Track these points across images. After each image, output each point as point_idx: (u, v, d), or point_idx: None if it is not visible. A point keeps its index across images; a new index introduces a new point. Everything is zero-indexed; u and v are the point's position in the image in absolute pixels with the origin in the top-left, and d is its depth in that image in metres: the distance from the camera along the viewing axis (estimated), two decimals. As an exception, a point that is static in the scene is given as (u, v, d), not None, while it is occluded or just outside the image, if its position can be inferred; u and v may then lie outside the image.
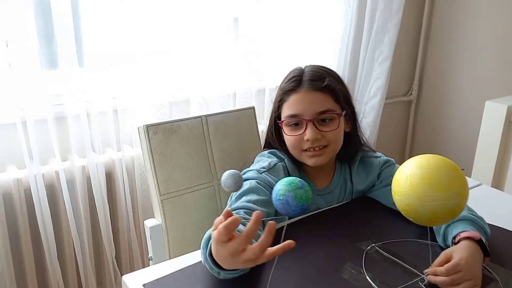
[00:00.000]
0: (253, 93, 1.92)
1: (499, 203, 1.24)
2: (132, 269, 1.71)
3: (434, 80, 2.69)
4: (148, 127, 1.17)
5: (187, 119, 1.25)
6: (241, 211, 0.92)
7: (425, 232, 0.94)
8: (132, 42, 1.55)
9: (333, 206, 1.14)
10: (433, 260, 0.86)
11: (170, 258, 1.20)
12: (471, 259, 0.83)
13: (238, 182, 0.69)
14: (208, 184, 1.26)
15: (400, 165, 1.16)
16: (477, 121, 2.07)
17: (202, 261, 0.82)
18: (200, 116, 1.27)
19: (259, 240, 0.68)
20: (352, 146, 1.14)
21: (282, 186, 0.70)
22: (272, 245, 0.69)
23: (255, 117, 1.37)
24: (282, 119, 1.09)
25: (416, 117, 2.85)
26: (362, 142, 1.16)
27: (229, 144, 1.31)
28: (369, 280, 0.85)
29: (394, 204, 1.11)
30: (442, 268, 0.82)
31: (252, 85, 1.90)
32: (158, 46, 1.62)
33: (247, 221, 0.85)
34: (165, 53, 1.65)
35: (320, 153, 1.06)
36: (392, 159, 1.17)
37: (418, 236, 1.01)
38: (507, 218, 1.09)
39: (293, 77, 1.08)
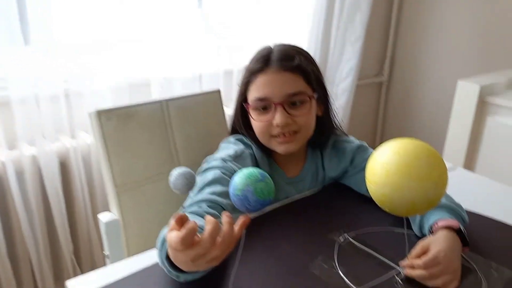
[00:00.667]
0: (220, 75, 1.82)
1: (476, 187, 1.20)
2: (93, 265, 1.61)
3: (406, 61, 2.65)
4: (100, 113, 1.06)
5: (146, 103, 1.15)
6: (204, 204, 0.84)
7: (401, 220, 0.88)
8: (86, 18, 1.42)
9: (304, 194, 1.07)
10: (409, 251, 0.80)
11: (129, 256, 1.11)
12: (450, 251, 0.77)
13: (190, 183, 0.61)
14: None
15: (373, 149, 1.12)
16: (449, 102, 2.04)
17: (159, 264, 0.73)
18: (160, 101, 1.17)
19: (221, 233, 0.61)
20: (324, 131, 1.06)
21: (240, 179, 0.62)
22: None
23: (221, 101, 1.28)
24: (249, 102, 1.00)
25: (388, 98, 2.81)
26: (335, 126, 1.08)
27: (193, 131, 1.22)
28: (342, 276, 0.79)
29: (367, 191, 1.06)
30: (419, 261, 0.76)
31: (219, 66, 1.80)
32: (116, 22, 1.49)
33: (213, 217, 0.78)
34: (124, 31, 1.52)
35: (290, 139, 0.98)
36: (365, 144, 1.11)
37: (393, 224, 0.95)
38: (484, 203, 1.05)
39: (261, 56, 0.99)
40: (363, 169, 1.06)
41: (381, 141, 2.87)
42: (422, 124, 2.63)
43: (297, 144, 1.00)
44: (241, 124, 1.04)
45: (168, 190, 1.17)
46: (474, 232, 0.91)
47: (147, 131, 1.13)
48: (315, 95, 1.00)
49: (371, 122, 2.87)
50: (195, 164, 1.20)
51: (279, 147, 0.99)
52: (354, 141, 1.10)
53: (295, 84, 0.97)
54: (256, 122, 1.00)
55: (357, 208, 1.02)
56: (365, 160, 1.07)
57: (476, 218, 0.98)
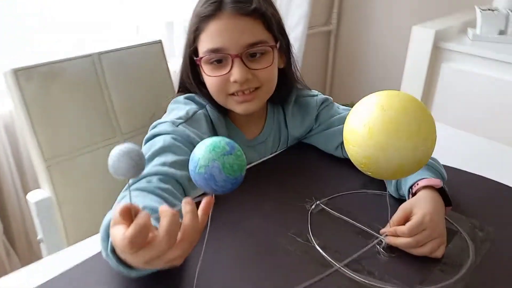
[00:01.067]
0: (161, 26, 1.63)
1: (447, 140, 1.13)
2: (29, 246, 1.43)
3: (355, 8, 2.54)
4: (17, 72, 0.87)
5: (74, 58, 0.96)
6: (155, 178, 0.70)
7: (373, 180, 0.79)
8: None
9: (266, 158, 0.96)
10: (390, 215, 0.71)
11: (67, 239, 0.96)
12: (435, 214, 0.69)
13: (138, 165, 0.45)
14: (110, 141, 1.01)
15: (338, 104, 1.02)
16: (401, 48, 1.98)
17: (103, 256, 0.60)
18: (91, 54, 0.99)
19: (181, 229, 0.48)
20: (287, 85, 0.93)
21: (202, 153, 0.48)
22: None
23: (164, 54, 1.11)
24: (200, 55, 0.85)
25: (337, 47, 2.71)
26: (297, 79, 0.96)
27: (133, 89, 1.05)
28: (320, 250, 0.69)
29: (335, 150, 0.96)
30: (403, 228, 0.68)
31: (159, 16, 1.60)
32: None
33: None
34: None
35: (251, 97, 0.85)
36: (330, 97, 1.00)
37: (367, 185, 0.86)
38: (440, 150, 0.98)
39: None
40: (328, 126, 0.97)
41: (331, 93, 2.80)
42: (374, 73, 2.57)
43: (258, 102, 0.87)
44: (192, 80, 0.89)
45: (106, 163, 1.02)
46: (451, 188, 0.84)
47: (77, 92, 0.96)
48: (277, 44, 0.87)
49: (321, 73, 2.77)
50: (139, 131, 1.05)
51: (238, 107, 0.86)
52: (318, 95, 0.99)
53: (255, 31, 0.82)
54: (210, 78, 0.85)
55: (326, 170, 0.93)
56: (331, 116, 0.97)
57: (451, 172, 0.91)
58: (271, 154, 0.97)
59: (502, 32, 1.73)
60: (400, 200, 0.81)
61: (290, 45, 0.92)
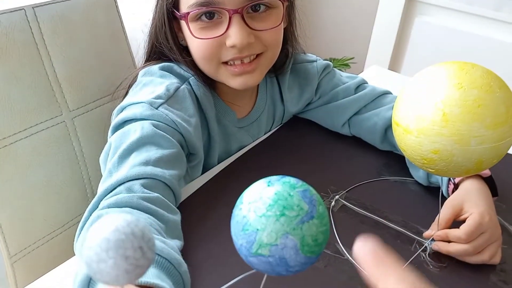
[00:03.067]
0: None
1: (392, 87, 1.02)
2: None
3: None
4: None
5: (0, 13, 0.71)
6: (137, 185, 0.50)
7: (391, 162, 0.66)
8: None
9: (260, 140, 0.78)
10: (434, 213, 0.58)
11: (8, 249, 0.74)
12: (492, 212, 0.57)
13: (138, 268, 0.24)
14: (54, 121, 0.78)
15: (341, 70, 0.84)
16: (371, 2, 1.83)
17: None
18: (22, 8, 0.73)
19: None
20: (285, 50, 0.73)
21: (264, 222, 0.27)
22: None
23: (117, 8, 0.87)
24: (185, 9, 0.62)
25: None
26: (296, 40, 0.76)
27: (80, 54, 0.81)
28: (353, 262, 0.55)
29: (342, 127, 0.80)
30: (459, 232, 0.55)
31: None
32: None
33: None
34: None
35: (252, 67, 0.64)
36: (331, 63, 0.83)
37: (384, 170, 0.72)
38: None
39: None
40: (333, 98, 0.79)
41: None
42: (335, 28, 2.41)
43: (260, 74, 0.66)
44: (171, 44, 0.66)
45: (53, 146, 0.80)
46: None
47: (6, 58, 0.71)
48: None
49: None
50: (89, 104, 0.83)
51: (234, 80, 0.65)
52: (317, 60, 0.81)
53: None
54: (197, 42, 0.63)
55: (334, 154, 0.77)
56: (334, 87, 0.80)
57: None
58: (264, 134, 0.79)
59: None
60: (429, 188, 0.68)
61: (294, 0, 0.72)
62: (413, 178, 0.70)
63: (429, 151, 0.46)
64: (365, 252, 0.26)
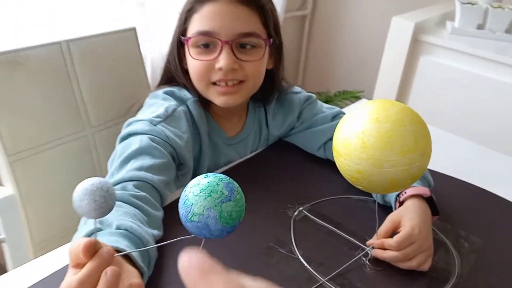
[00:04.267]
0: (133, 8, 1.54)
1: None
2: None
3: (332, -8, 2.49)
4: (-26, 61, 0.79)
5: (40, 46, 0.88)
6: (130, 185, 0.65)
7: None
8: None
9: (246, 157, 0.91)
10: (378, 224, 0.69)
11: (32, 238, 0.90)
12: (424, 226, 0.67)
13: (102, 207, 0.40)
14: (78, 134, 0.94)
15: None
16: (379, 37, 1.95)
17: None
18: (59, 42, 0.91)
19: None
20: (271, 86, 0.89)
21: (195, 199, 0.41)
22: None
23: (138, 42, 1.04)
24: (189, 36, 0.79)
25: (311, 34, 2.66)
26: (283, 81, 0.91)
27: (104, 79, 0.98)
28: (304, 263, 0.66)
29: (318, 150, 0.93)
30: (391, 241, 0.66)
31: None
32: None
33: (138, 225, 0.59)
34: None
35: (234, 90, 0.79)
36: (313, 95, 0.96)
37: (350, 190, 0.83)
38: (435, 156, 0.96)
39: None
40: (312, 124, 0.93)
41: (303, 80, 2.76)
42: (349, 62, 2.54)
43: (240, 97, 0.81)
44: (177, 64, 0.83)
45: (76, 155, 0.96)
46: (434, 194, 0.82)
47: (43, 83, 0.88)
48: (271, 41, 0.82)
49: (294, 59, 2.73)
50: (109, 124, 0.99)
51: (218, 98, 0.80)
52: (301, 92, 0.95)
53: (250, 22, 0.78)
54: (195, 62, 0.79)
55: (308, 172, 0.89)
56: (314, 115, 0.93)
57: (433, 177, 0.89)
58: (250, 153, 0.93)
59: (480, 27, 1.72)
60: (386, 207, 0.79)
61: (282, 46, 0.87)
62: (372, 197, 0.81)
63: (354, 171, 0.58)
64: (190, 264, 0.27)
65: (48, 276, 0.60)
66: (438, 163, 0.90)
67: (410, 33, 1.69)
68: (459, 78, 1.64)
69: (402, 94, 1.81)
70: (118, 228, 0.54)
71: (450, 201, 0.84)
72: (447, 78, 1.68)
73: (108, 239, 0.52)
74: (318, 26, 2.63)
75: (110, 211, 0.40)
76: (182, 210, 0.42)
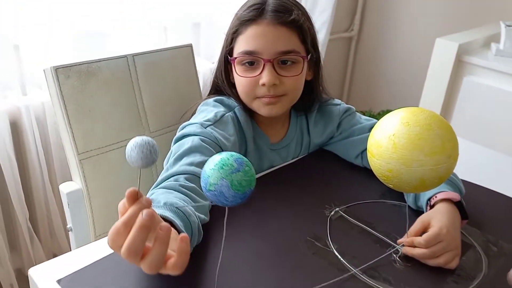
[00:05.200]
0: (189, 27, 1.68)
1: (465, 154, 1.16)
2: (52, 235, 1.49)
3: (377, 15, 2.56)
4: (57, 70, 0.92)
5: (109, 59, 1.01)
6: (181, 177, 0.74)
7: (392, 191, 0.82)
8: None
9: (288, 162, 0.99)
10: (408, 226, 0.74)
11: (94, 229, 1.01)
12: (452, 227, 0.72)
13: (147, 157, 0.49)
14: (138, 138, 1.05)
15: (356, 111, 1.04)
16: (423, 58, 1.99)
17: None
18: (125, 56, 1.03)
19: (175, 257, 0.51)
20: (311, 96, 0.97)
21: (211, 171, 0.51)
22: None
23: (193, 57, 1.15)
24: (235, 55, 0.89)
25: (357, 55, 2.73)
26: (322, 91, 0.99)
27: (162, 90, 1.09)
28: (338, 255, 0.73)
29: (355, 158, 0.99)
30: (420, 239, 0.71)
31: (187, 17, 1.65)
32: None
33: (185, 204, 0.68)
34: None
35: (276, 100, 0.88)
36: (353, 107, 1.03)
37: (386, 195, 0.89)
38: (475, 170, 1.00)
39: (254, 4, 0.88)
40: (350, 135, 1.00)
41: (348, 99, 2.82)
42: (393, 82, 2.58)
43: (282, 107, 0.90)
44: (224, 79, 0.94)
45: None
46: (467, 202, 0.87)
47: (111, 90, 1.00)
48: (309, 57, 0.90)
49: (340, 78, 2.80)
50: (165, 130, 1.10)
51: (263, 109, 0.90)
52: (341, 104, 1.02)
53: (289, 41, 0.87)
54: (240, 78, 0.89)
55: (346, 178, 0.96)
56: (352, 126, 1.00)
57: (467, 186, 0.93)
58: (293, 158, 1.01)
59: (525, 49, 1.74)
60: (418, 211, 0.84)
61: (320, 59, 0.95)
62: (405, 202, 0.86)
63: (385, 170, 0.65)
64: None
65: (106, 256, 0.69)
66: (478, 176, 0.94)
67: (454, 54, 1.73)
68: (502, 98, 1.66)
69: (445, 113, 1.84)
70: (165, 203, 0.63)
71: (483, 210, 0.87)
72: (490, 99, 1.70)
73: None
74: (363, 47, 2.69)
75: (153, 163, 0.50)
76: (202, 183, 0.52)
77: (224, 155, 0.53)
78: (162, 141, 1.09)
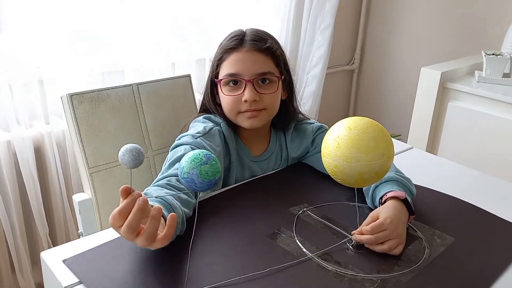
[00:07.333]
0: (193, 63, 1.87)
1: (429, 166, 1.28)
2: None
3: (375, 49, 2.73)
4: (72, 96, 1.10)
5: (117, 87, 1.19)
6: (173, 179, 0.89)
7: (358, 194, 0.95)
8: (60, 7, 1.45)
9: (268, 173, 1.14)
10: (361, 222, 0.87)
11: (102, 233, 1.16)
12: (395, 218, 0.85)
13: (136, 159, 0.65)
14: (141, 155, 1.22)
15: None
16: (414, 88, 2.13)
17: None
18: (131, 84, 1.21)
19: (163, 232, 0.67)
20: (287, 114, 1.13)
21: (185, 163, 0.66)
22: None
23: (191, 86, 1.33)
24: (221, 77, 1.06)
25: (358, 86, 2.90)
26: (297, 110, 1.15)
27: (163, 114, 1.26)
28: (299, 244, 0.86)
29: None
30: (367, 227, 0.83)
31: (191, 54, 1.84)
32: (90, 11, 1.52)
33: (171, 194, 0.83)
34: (98, 21, 1.55)
35: (256, 113, 1.04)
36: (325, 125, 1.17)
37: (349, 199, 1.02)
38: (435, 180, 1.13)
39: (235, 35, 1.06)
40: (324, 149, 1.14)
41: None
42: (390, 110, 2.73)
43: (261, 120, 1.06)
44: (210, 99, 1.10)
45: (139, 172, 1.23)
46: (422, 204, 0.99)
47: (118, 114, 1.18)
48: (282, 77, 1.07)
49: (343, 109, 2.96)
50: (166, 149, 1.26)
51: (246, 122, 1.05)
52: (315, 122, 1.17)
53: (265, 64, 1.04)
54: (226, 97, 1.05)
55: (317, 185, 1.09)
56: (325, 141, 1.14)
57: (425, 191, 1.06)
58: (272, 170, 1.15)
59: (506, 75, 1.87)
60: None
61: (292, 81, 1.11)
62: (366, 204, 0.99)
63: (333, 166, 0.79)
64: None
65: (106, 242, 0.84)
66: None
67: (438, 81, 1.87)
68: (486, 122, 1.77)
69: (433, 136, 1.96)
70: (156, 197, 0.78)
71: (435, 210, 1.00)
72: (474, 123, 1.81)
73: None
74: (364, 78, 2.86)
75: (141, 163, 0.66)
76: (179, 171, 0.67)
77: (196, 151, 0.68)
78: (163, 158, 1.24)
